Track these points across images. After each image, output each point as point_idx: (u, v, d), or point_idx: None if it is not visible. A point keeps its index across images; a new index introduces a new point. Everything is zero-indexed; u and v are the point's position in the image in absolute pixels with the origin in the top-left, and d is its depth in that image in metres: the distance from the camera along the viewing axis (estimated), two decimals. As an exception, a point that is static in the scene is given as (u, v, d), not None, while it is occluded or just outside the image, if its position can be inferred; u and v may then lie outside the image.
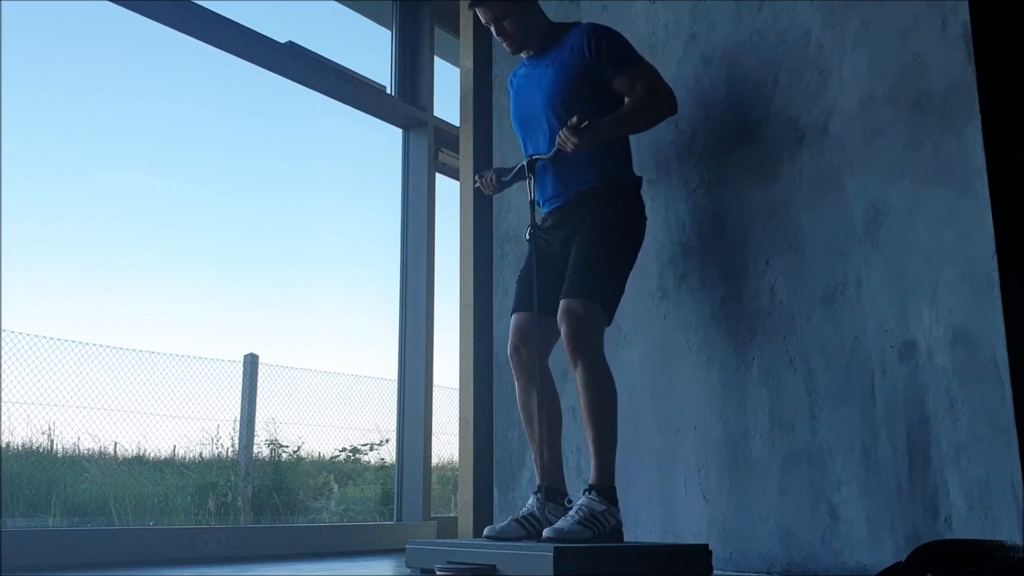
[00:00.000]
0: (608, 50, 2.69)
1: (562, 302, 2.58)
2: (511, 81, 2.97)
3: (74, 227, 3.55)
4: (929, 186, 2.45)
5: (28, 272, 3.22)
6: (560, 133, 2.58)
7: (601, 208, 2.67)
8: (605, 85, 2.71)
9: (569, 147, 2.57)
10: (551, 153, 2.67)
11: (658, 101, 2.70)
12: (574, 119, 2.54)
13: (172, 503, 3.62)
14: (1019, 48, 2.48)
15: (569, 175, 2.71)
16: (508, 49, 2.86)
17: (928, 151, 2.46)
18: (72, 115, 3.58)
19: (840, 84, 2.67)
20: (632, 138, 2.96)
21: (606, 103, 2.70)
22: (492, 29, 2.83)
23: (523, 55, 2.88)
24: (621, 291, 2.68)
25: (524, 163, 2.77)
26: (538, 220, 2.83)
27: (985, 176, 2.32)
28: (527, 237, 2.76)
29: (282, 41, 3.89)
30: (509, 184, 2.96)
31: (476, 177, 3.01)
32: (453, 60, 4.64)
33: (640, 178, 2.82)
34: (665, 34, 3.15)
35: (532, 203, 2.75)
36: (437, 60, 4.66)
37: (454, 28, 4.45)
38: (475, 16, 2.92)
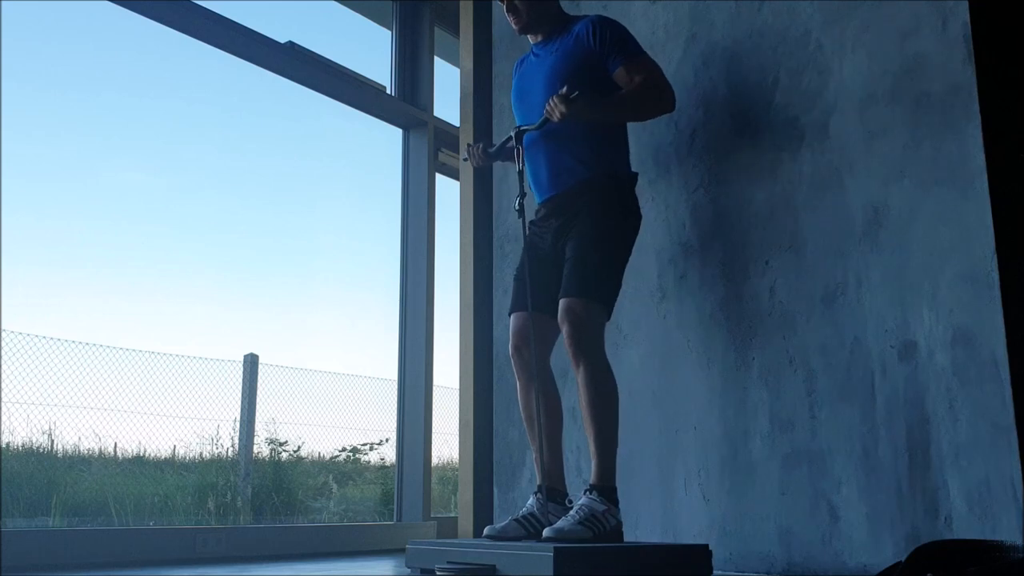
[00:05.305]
0: (612, 40, 2.69)
1: (562, 301, 2.57)
2: (516, 68, 2.98)
3: (75, 227, 3.55)
4: (929, 186, 2.45)
5: (28, 272, 3.22)
6: (549, 101, 2.55)
7: (596, 202, 2.66)
8: (607, 76, 2.70)
9: (556, 116, 2.53)
10: (539, 123, 2.64)
11: (655, 93, 2.68)
12: (564, 88, 2.53)
13: (172, 503, 3.61)
14: (1019, 48, 2.48)
15: (565, 165, 2.70)
16: (514, 27, 2.85)
17: (928, 151, 2.46)
18: (72, 115, 3.58)
19: (840, 84, 2.67)
20: (632, 136, 2.96)
21: (606, 93, 2.68)
22: (504, 5, 2.83)
23: (530, 40, 2.88)
24: (619, 286, 2.67)
25: (512, 133, 2.74)
26: (532, 214, 2.84)
27: (985, 176, 2.33)
28: (515, 206, 2.72)
29: (282, 41, 3.89)
30: (497, 156, 2.95)
31: (466, 147, 2.96)
32: (453, 60, 4.64)
33: (636, 174, 2.82)
34: (665, 34, 3.15)
35: (520, 173, 2.71)
36: (437, 60, 4.66)
37: (454, 28, 4.45)
38: (475, 14, 2.91)
